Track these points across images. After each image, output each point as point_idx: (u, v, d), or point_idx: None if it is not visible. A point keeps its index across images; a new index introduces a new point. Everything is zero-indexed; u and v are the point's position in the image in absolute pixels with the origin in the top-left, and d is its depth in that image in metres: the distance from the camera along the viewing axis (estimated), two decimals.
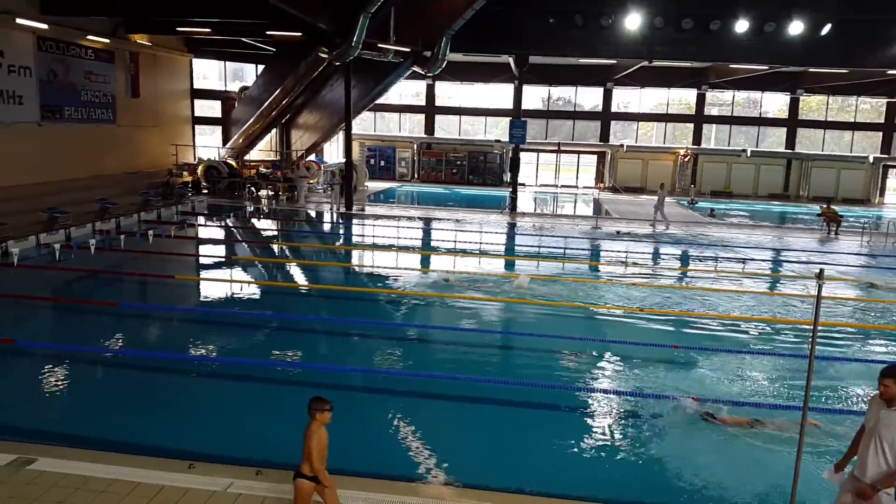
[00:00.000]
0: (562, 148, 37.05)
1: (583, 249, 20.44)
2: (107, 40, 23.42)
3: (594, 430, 7.80)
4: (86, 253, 15.26)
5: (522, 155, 28.97)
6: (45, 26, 20.04)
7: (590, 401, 8.59)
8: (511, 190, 27.45)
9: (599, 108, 38.84)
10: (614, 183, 37.64)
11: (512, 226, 23.76)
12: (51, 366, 9.29)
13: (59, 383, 8.86)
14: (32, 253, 15.58)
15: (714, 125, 39.09)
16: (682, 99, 39.03)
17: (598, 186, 38.14)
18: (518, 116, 27.27)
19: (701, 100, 38.07)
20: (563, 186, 38.61)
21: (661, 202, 24.53)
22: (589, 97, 39.03)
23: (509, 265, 17.47)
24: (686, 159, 37.83)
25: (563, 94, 39.40)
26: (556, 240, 21.36)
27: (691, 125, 38.72)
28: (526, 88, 29.20)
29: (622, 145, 38.19)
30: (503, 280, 15.04)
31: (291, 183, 28.24)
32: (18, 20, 19.05)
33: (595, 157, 39.34)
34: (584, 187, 38.85)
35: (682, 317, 12.69)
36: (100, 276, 14.34)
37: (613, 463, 7.04)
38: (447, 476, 6.53)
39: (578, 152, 39.12)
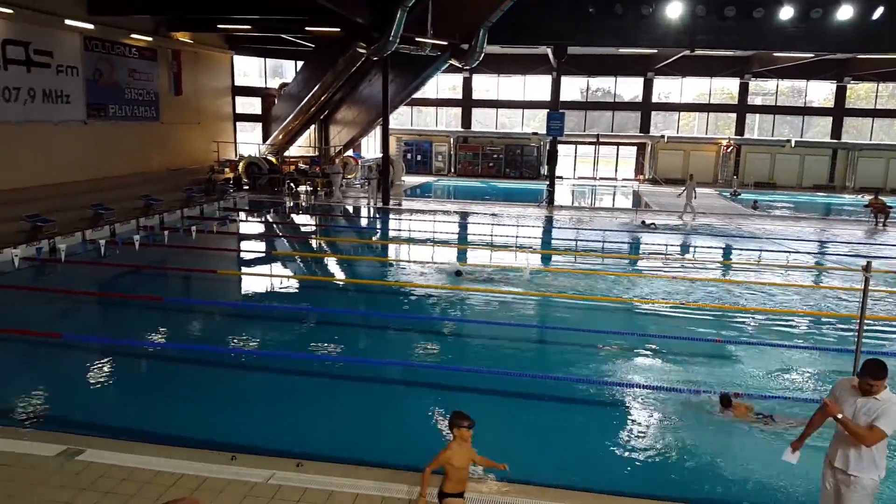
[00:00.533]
0: (601, 140, 36.67)
1: (620, 242, 20.18)
2: (150, 39, 23.87)
3: (640, 425, 7.70)
4: (130, 249, 15.60)
5: (560, 147, 28.70)
6: (91, 26, 20.50)
7: (638, 396, 8.48)
8: (548, 183, 27.24)
9: (639, 99, 38.27)
10: (655, 175, 37.07)
11: (549, 219, 23.58)
12: (97, 359, 9.54)
13: (105, 376, 9.08)
14: (79, 249, 16.00)
15: (757, 115, 38.20)
16: (725, 88, 38.22)
17: (639, 178, 37.60)
18: (556, 108, 27.01)
19: (744, 89, 37.23)
20: (601, 179, 38.19)
21: (690, 193, 24.06)
22: (629, 87, 38.48)
23: (546, 259, 17.35)
24: (729, 150, 37.06)
25: (603, 85, 38.92)
26: (591, 233, 21.15)
27: (734, 115, 37.91)
28: (564, 79, 28.95)
29: (663, 136, 37.57)
30: (541, 273, 14.94)
31: (329, 178, 28.47)
32: (67, 21, 19.53)
33: (635, 148, 38.80)
34: (624, 179, 38.34)
35: (724, 311, 12.45)
36: (144, 271, 14.66)
37: (657, 459, 6.95)
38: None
39: (618, 144, 38.62)
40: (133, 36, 23.03)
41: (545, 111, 28.39)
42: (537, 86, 37.83)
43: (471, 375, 8.92)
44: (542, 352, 10.74)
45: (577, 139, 37.29)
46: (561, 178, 32.51)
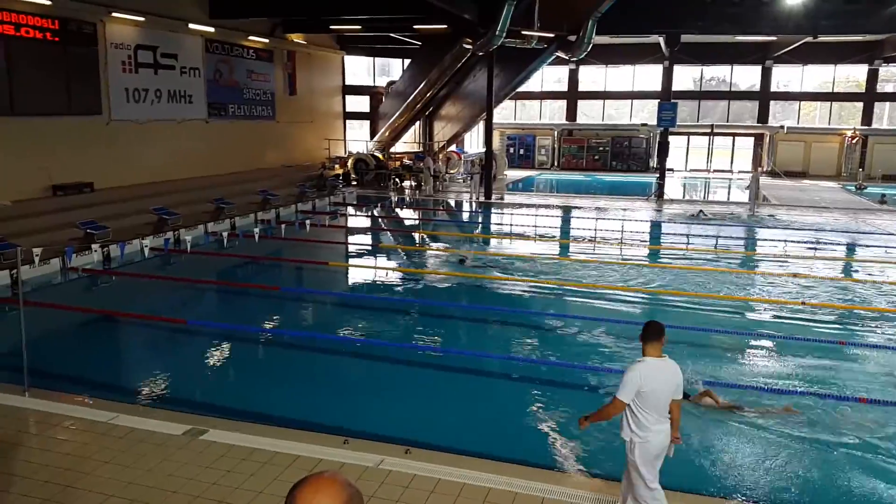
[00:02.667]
0: (715, 130, 35.11)
1: (734, 238, 19.29)
2: (266, 40, 24.99)
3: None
4: (250, 241, 16.41)
5: (671, 139, 27.71)
6: (212, 29, 21.70)
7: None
8: (658, 176, 26.38)
9: (757, 88, 36.32)
10: (773, 167, 35.10)
11: (658, 213, 22.85)
12: (218, 344, 10.10)
13: (226, 360, 9.60)
14: (202, 240, 16.98)
15: (887, 103, 35.37)
16: (850, 76, 35.64)
17: (758, 171, 35.71)
18: (667, 98, 26.12)
19: (872, 76, 34.51)
20: (716, 171, 36.58)
21: (754, 183, 22.86)
22: (745, 76, 36.63)
23: (653, 254, 16.83)
24: (854, 141, 34.52)
25: (717, 74, 37.23)
26: (704, 227, 20.31)
27: (860, 104, 35.25)
28: (676, 68, 27.88)
29: (782, 127, 35.50)
30: (657, 272, 14.50)
31: (433, 174, 28.83)
32: (190, 25, 20.76)
33: (752, 139, 36.88)
34: (740, 172, 36.52)
35: (847, 311, 11.64)
36: (261, 262, 15.39)
37: None
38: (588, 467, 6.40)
39: (734, 135, 36.84)
40: (251, 38, 24.18)
41: (655, 102, 27.56)
42: (647, 76, 36.64)
43: (573, 371, 8.78)
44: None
45: (690, 130, 35.86)
46: (672, 170, 31.50)
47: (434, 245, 18.08)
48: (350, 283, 14.40)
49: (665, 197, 25.47)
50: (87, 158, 17.40)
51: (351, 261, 16.11)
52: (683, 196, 28.49)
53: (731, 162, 37.21)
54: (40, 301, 11.35)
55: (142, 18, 18.62)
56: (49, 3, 15.78)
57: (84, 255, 13.89)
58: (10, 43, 15.09)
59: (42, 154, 16.16)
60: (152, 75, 19.74)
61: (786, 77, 36.24)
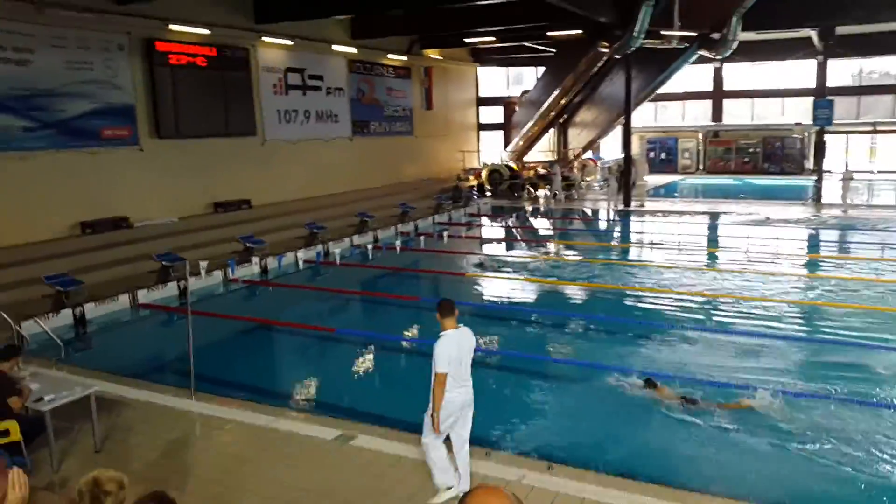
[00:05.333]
0: (878, 128, 32.10)
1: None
2: (404, 58, 25.80)
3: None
4: (392, 252, 16.95)
5: (828, 138, 25.65)
6: (354, 50, 22.71)
7: None
8: (816, 178, 24.50)
9: None
10: None
11: (817, 219, 21.22)
12: (364, 352, 10.49)
13: (372, 368, 9.95)
14: (348, 253, 17.74)
15: None
16: None
17: None
18: (822, 95, 24.25)
19: None
20: (881, 172, 33.40)
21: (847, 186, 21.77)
22: None
23: (812, 265, 15.60)
24: None
25: (878, 67, 34.01)
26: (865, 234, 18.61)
27: None
28: (831, 63, 25.76)
29: None
30: (809, 284, 13.47)
31: (569, 181, 28.45)
32: (334, 47, 21.84)
33: None
34: None
35: None
36: (403, 273, 15.85)
37: None
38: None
39: None
40: (390, 56, 25.05)
41: (809, 99, 25.66)
42: (798, 71, 34.12)
43: (728, 389, 8.29)
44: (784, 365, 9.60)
45: (850, 128, 32.99)
46: (830, 172, 29.13)
47: (568, 255, 17.77)
48: (486, 293, 14.48)
49: (823, 201, 23.60)
50: (244, 177, 18.74)
51: (487, 272, 16.16)
52: (844, 199, 26.22)
53: None
54: (205, 311, 12.32)
55: (290, 42, 19.81)
56: (208, 31, 17.18)
57: (244, 266, 14.95)
58: (175, 72, 16.58)
59: (204, 173, 17.61)
60: (301, 96, 20.95)
61: None
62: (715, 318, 11.58)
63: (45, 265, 12.84)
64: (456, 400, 5.65)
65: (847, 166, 23.86)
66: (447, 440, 5.81)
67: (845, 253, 17.36)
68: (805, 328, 11.13)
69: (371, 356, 10.46)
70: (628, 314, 12.21)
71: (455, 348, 5.62)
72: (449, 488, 5.75)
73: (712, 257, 17.06)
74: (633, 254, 18.08)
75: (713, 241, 19.66)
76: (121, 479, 3.44)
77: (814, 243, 18.88)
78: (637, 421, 7.67)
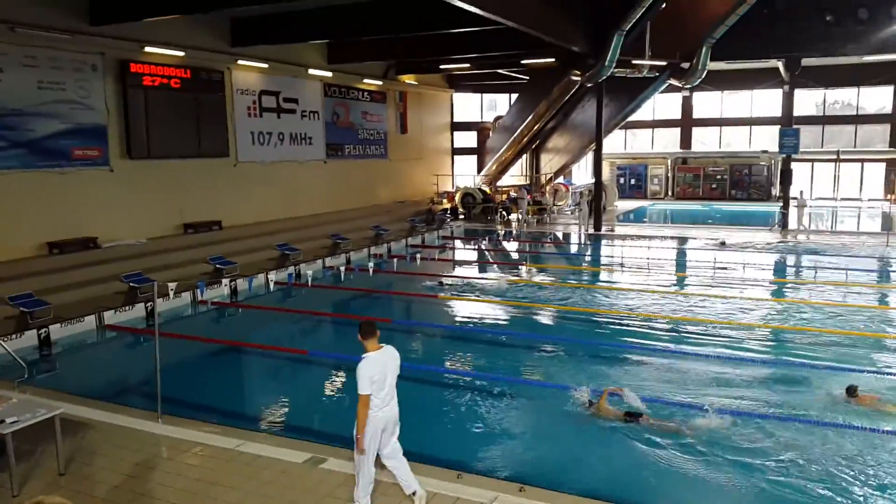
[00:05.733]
0: (841, 157, 33.03)
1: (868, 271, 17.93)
2: (379, 82, 25.99)
3: None
4: (365, 274, 16.92)
5: (794, 166, 26.29)
6: (330, 74, 22.84)
7: None
8: (782, 205, 25.06)
9: (888, 110, 33.84)
10: None
11: (783, 245, 21.67)
12: (337, 374, 10.42)
13: (344, 390, 9.88)
14: (320, 274, 17.66)
15: None
16: None
17: (889, 198, 33.13)
18: (789, 124, 24.90)
19: None
20: (843, 199, 34.26)
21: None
22: (874, 98, 34.25)
23: (777, 291, 15.91)
24: None
25: (842, 97, 35.06)
26: (833, 259, 19.03)
27: None
28: (797, 93, 26.50)
29: None
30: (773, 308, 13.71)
31: (541, 206, 28.73)
32: (310, 71, 21.94)
33: (884, 164, 34.29)
34: (870, 199, 33.99)
35: None
36: (374, 295, 15.82)
37: None
38: None
39: (862, 161, 34.43)
40: (365, 81, 25.23)
41: (775, 128, 26.31)
42: (765, 101, 35.05)
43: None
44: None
45: (814, 156, 33.86)
46: (796, 199, 29.80)
47: (540, 278, 17.91)
48: (459, 315, 14.49)
49: (789, 227, 24.13)
50: (215, 198, 18.64)
51: (460, 293, 16.22)
52: (809, 225, 26.83)
53: (861, 189, 34.68)
54: (174, 332, 12.15)
55: (265, 65, 19.87)
56: (182, 53, 17.17)
57: (213, 288, 14.80)
58: (149, 93, 16.51)
59: (175, 194, 17.48)
60: (275, 119, 20.98)
61: None
62: (679, 340, 11.73)
63: (9, 285, 12.60)
64: (380, 419, 5.87)
65: (801, 194, 24.38)
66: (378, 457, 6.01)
67: (800, 278, 17.76)
68: (759, 350, 11.30)
69: (343, 378, 10.39)
70: (592, 335, 12.27)
71: (378, 369, 5.84)
72: None
73: (676, 280, 17.33)
74: (602, 276, 18.25)
75: (680, 265, 19.94)
76: None
77: (770, 267, 19.22)
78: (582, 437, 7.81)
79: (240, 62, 19.11)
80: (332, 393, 9.99)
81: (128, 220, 16.20)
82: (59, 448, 6.66)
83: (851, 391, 8.47)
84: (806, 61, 25.09)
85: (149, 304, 13.31)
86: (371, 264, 17.16)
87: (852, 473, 6.80)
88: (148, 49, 16.28)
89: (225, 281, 15.10)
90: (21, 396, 8.03)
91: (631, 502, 6.37)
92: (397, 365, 6.07)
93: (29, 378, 9.43)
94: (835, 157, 33.31)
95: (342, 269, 17.13)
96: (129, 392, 9.78)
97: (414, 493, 5.93)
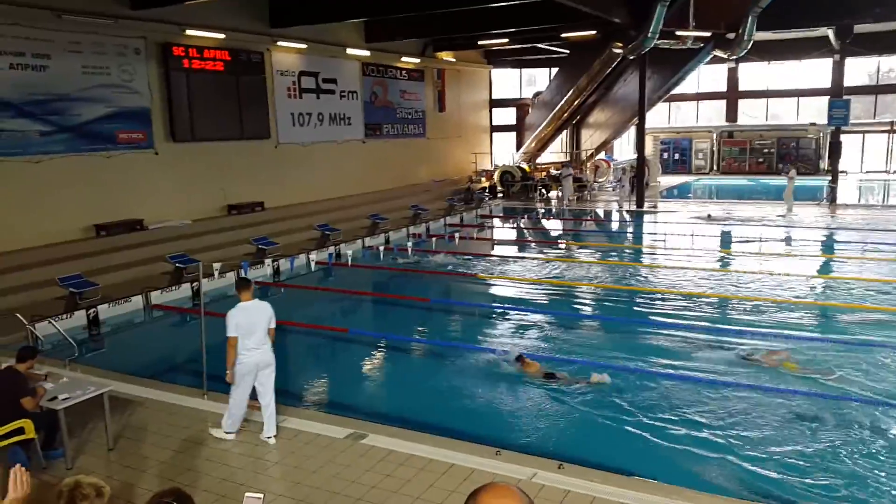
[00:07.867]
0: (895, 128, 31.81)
1: None
2: (417, 60, 25.85)
3: None
4: (404, 254, 16.97)
5: (845, 138, 25.41)
6: (368, 53, 22.79)
7: None
8: (830, 179, 24.29)
9: None
10: None
11: (832, 219, 21.03)
12: (377, 352, 10.52)
13: (384, 368, 9.98)
14: (360, 254, 17.79)
15: None
16: None
17: None
18: (839, 95, 24.04)
19: None
20: None
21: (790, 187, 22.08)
22: None
23: (824, 266, 15.47)
24: None
25: None
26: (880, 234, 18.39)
27: None
28: (848, 62, 25.51)
29: None
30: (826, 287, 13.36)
31: (581, 183, 28.35)
32: (348, 50, 21.93)
33: None
34: None
35: None
36: (414, 274, 15.87)
37: None
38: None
39: None
40: (403, 59, 25.12)
41: (824, 99, 25.43)
42: (814, 71, 33.82)
43: (743, 388, 8.24)
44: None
45: (866, 128, 32.67)
46: (845, 172, 28.89)
47: (580, 256, 17.71)
48: (498, 294, 14.46)
49: (838, 202, 23.39)
50: (257, 179, 18.86)
51: (499, 273, 16.16)
52: (859, 200, 25.98)
53: None
54: (218, 312, 12.38)
55: (304, 46, 19.93)
56: (223, 36, 17.31)
57: (256, 268, 15.04)
58: (191, 75, 16.72)
59: (218, 176, 17.74)
60: (315, 100, 21.05)
61: None
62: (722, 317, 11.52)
63: (59, 267, 12.99)
64: (250, 360, 6.75)
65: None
66: (253, 393, 6.89)
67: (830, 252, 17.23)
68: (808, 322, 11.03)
69: (382, 356, 10.49)
70: (648, 315, 12.12)
71: (244, 317, 6.72)
72: (229, 433, 6.91)
73: (723, 260, 16.96)
74: (643, 254, 17.98)
75: (725, 242, 19.48)
76: (100, 487, 3.49)
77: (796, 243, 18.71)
78: (637, 414, 7.67)
79: (279, 43, 19.19)
80: (372, 370, 10.09)
81: (172, 201, 16.50)
82: (108, 424, 6.87)
83: None
84: (858, 28, 24.09)
85: (194, 283, 13.58)
86: (410, 244, 17.21)
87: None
88: (189, 32, 16.46)
89: (267, 261, 15.36)
90: (71, 374, 8.31)
91: None
92: (268, 317, 6.91)
93: (79, 357, 9.74)
94: (888, 128, 32.04)
95: (381, 248, 17.21)
96: (176, 370, 10.03)
97: (269, 438, 6.81)
